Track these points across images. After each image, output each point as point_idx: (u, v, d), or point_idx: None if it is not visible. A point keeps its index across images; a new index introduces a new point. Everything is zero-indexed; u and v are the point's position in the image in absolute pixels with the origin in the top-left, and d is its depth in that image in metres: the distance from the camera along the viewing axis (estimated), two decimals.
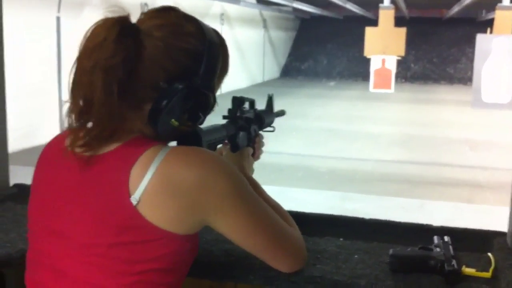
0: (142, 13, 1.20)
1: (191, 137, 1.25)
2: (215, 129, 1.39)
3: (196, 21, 1.21)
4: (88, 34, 1.11)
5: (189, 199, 1.09)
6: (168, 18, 1.18)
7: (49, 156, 1.23)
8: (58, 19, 10.18)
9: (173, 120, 1.15)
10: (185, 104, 1.15)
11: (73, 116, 1.13)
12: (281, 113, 1.77)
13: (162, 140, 1.18)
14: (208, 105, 1.19)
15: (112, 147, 1.13)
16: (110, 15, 1.12)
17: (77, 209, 1.12)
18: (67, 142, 1.16)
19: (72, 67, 1.12)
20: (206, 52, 1.18)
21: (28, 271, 1.22)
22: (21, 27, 8.87)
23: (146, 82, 1.14)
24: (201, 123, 1.22)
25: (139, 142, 1.13)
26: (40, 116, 9.54)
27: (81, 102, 1.11)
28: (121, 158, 1.11)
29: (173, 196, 1.08)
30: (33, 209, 1.22)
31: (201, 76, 1.17)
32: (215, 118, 1.51)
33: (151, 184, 1.07)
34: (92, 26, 1.12)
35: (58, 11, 10.20)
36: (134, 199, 1.07)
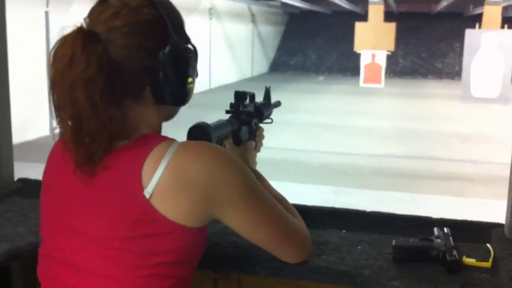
0: (87, 17, 1.17)
1: (201, 133, 1.27)
2: (221, 124, 1.42)
3: None
4: (52, 58, 1.10)
5: (201, 192, 1.12)
6: (114, 8, 1.15)
7: (60, 152, 1.23)
8: (46, 13, 10.12)
9: (189, 79, 1.18)
10: (178, 64, 1.17)
11: (67, 138, 1.13)
12: (278, 104, 1.79)
13: (178, 106, 1.22)
14: (195, 56, 1.22)
15: (123, 143, 1.15)
16: (64, 33, 1.11)
17: (92, 203, 1.14)
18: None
19: (49, 93, 1.12)
20: (165, 13, 1.17)
21: (41, 266, 1.24)
22: (9, 21, 8.83)
23: (129, 75, 1.14)
24: (197, 75, 1.24)
25: (149, 138, 1.16)
26: (31, 111, 9.50)
27: (69, 123, 1.11)
28: (133, 153, 1.13)
29: (185, 190, 1.11)
30: (47, 204, 1.24)
31: (173, 36, 1.17)
32: (214, 114, 1.54)
33: (163, 177, 1.10)
34: (52, 50, 1.10)
35: (47, 5, 10.14)
36: (147, 192, 1.09)
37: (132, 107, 1.17)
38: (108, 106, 1.10)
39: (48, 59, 1.11)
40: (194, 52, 1.22)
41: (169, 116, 1.27)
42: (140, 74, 1.15)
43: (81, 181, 1.14)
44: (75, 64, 1.07)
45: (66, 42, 1.09)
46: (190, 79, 1.20)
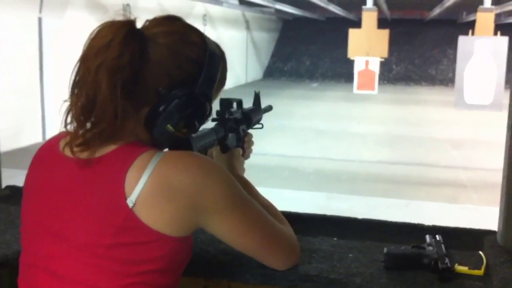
0: (147, 20, 1.22)
1: (182, 144, 1.26)
2: (205, 134, 1.40)
3: (200, 32, 1.24)
4: (94, 34, 1.13)
5: (184, 201, 1.11)
6: (174, 26, 1.21)
7: (43, 158, 1.23)
8: (40, 19, 10.10)
9: (169, 125, 1.16)
10: (182, 111, 1.16)
11: (73, 115, 1.13)
12: (269, 108, 1.77)
13: (157, 145, 1.19)
14: (204, 114, 1.21)
15: (109, 149, 1.14)
16: (117, 18, 1.14)
17: (75, 210, 1.13)
18: (63, 143, 1.17)
19: (75, 66, 1.13)
20: (207, 62, 1.20)
21: (22, 275, 1.22)
22: (2, 27, 8.81)
23: (148, 85, 1.15)
24: (196, 131, 1.24)
25: (135, 146, 1.15)
26: (22, 117, 9.47)
27: (83, 101, 1.12)
28: (118, 161, 1.12)
29: (168, 199, 1.10)
30: (28, 211, 1.22)
31: (200, 84, 1.19)
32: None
33: (146, 187, 1.09)
34: (97, 27, 1.13)
35: (40, 11, 10.12)
36: (130, 201, 1.08)
37: (130, 114, 1.16)
38: (124, 100, 1.11)
39: (90, 34, 1.13)
40: (205, 111, 1.21)
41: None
42: (150, 92, 1.15)
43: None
44: (110, 48, 1.10)
45: (113, 26, 1.12)
46: (184, 130, 1.19)
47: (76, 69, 1.13)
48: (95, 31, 1.13)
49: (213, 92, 1.24)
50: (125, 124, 1.14)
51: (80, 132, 1.13)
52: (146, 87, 1.15)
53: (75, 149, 1.13)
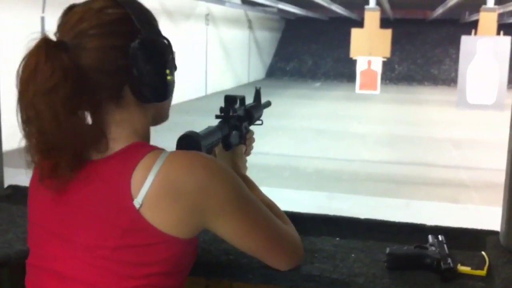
0: (57, 31, 1.15)
1: (190, 142, 1.26)
2: (211, 132, 1.40)
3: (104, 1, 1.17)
4: (20, 70, 1.08)
5: (190, 202, 1.10)
6: (81, 22, 1.13)
7: None
8: (42, 19, 10.10)
9: (167, 71, 1.15)
10: (151, 57, 1.14)
11: (35, 154, 1.11)
12: (268, 104, 1.77)
13: (159, 120, 1.21)
14: (169, 49, 1.18)
15: (111, 152, 1.13)
16: (31, 45, 1.09)
17: (81, 212, 1.12)
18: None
19: (16, 108, 1.10)
20: (131, 12, 1.15)
21: (29, 276, 1.21)
22: (5, 27, 8.81)
23: (105, 74, 1.12)
24: (175, 68, 1.21)
25: (138, 146, 1.14)
26: None
27: (37, 137, 1.09)
28: (122, 162, 1.11)
29: (174, 200, 1.09)
30: (35, 213, 1.22)
31: (141, 31, 1.14)
32: (210, 120, 1.52)
33: (153, 187, 1.08)
34: (20, 63, 1.09)
35: (43, 11, 10.12)
36: (137, 202, 1.08)
37: (116, 112, 1.15)
38: (72, 117, 1.08)
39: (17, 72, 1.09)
40: (168, 45, 1.19)
41: (158, 118, 1.25)
42: (115, 74, 1.12)
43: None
44: (39, 74, 1.05)
45: (31, 53, 1.08)
46: (167, 71, 1.17)
47: (18, 110, 1.10)
48: (20, 67, 1.09)
49: (157, 26, 1.21)
50: (112, 126, 1.13)
51: (46, 164, 1.10)
52: (104, 80, 1.12)
53: (47, 183, 1.12)
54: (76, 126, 1.09)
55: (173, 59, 1.20)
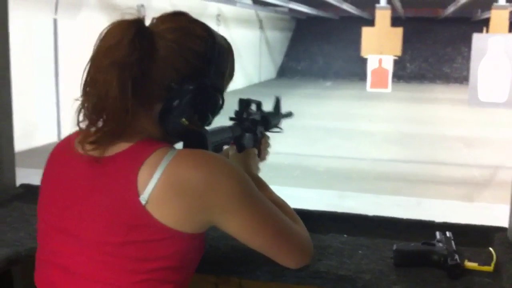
0: (154, 18, 1.24)
1: (197, 138, 1.27)
2: (220, 130, 1.42)
3: (206, 26, 1.26)
4: (103, 34, 1.14)
5: (196, 199, 1.11)
6: (180, 22, 1.23)
7: (58, 156, 1.25)
8: (55, 21, 10.17)
9: (183, 119, 1.18)
10: (195, 104, 1.19)
11: (85, 113, 1.15)
12: (289, 114, 1.78)
13: (170, 139, 1.21)
14: (216, 105, 1.24)
15: (121, 148, 1.15)
16: (126, 17, 1.15)
17: (87, 208, 1.14)
18: (77, 141, 1.19)
19: (86, 66, 1.15)
20: (215, 55, 1.22)
21: (38, 271, 1.24)
22: (18, 29, 8.88)
23: (158, 82, 1.17)
24: (209, 123, 1.26)
25: (147, 144, 1.16)
26: (38, 117, 9.54)
27: (95, 99, 1.13)
28: (130, 159, 1.13)
29: (180, 197, 1.11)
30: (43, 209, 1.24)
31: (210, 77, 1.21)
32: (220, 118, 1.54)
33: (159, 184, 1.10)
34: (107, 27, 1.15)
35: (55, 13, 10.19)
36: (143, 198, 1.09)
37: (142, 111, 1.18)
38: (134, 98, 1.12)
39: (99, 35, 1.15)
40: (218, 103, 1.24)
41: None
42: (161, 88, 1.17)
43: (77, 179, 1.16)
44: (120, 47, 1.11)
45: (122, 25, 1.14)
46: (198, 123, 1.22)
47: (87, 68, 1.15)
48: (104, 31, 1.15)
49: (223, 84, 1.27)
50: (136, 122, 1.16)
51: (92, 130, 1.15)
52: (155, 84, 1.17)
53: (87, 147, 1.15)
54: (135, 108, 1.13)
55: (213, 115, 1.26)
